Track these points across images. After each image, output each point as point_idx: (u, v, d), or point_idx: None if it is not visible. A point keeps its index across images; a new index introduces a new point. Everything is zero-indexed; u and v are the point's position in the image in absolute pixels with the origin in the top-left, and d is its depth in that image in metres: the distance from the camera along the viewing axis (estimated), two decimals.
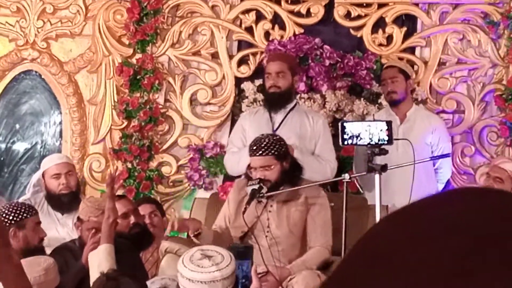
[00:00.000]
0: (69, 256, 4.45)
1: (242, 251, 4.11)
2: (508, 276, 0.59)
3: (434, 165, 5.73)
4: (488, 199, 0.66)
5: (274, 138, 4.65)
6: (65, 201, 5.43)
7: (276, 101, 5.43)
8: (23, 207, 4.42)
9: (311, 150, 5.37)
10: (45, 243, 4.79)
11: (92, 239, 4.27)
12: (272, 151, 4.53)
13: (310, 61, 6.15)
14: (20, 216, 4.35)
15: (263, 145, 4.56)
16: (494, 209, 0.64)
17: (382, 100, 6.06)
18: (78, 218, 4.55)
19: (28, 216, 4.38)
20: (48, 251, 4.60)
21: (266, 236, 4.54)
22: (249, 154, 4.63)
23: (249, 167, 4.70)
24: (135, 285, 3.55)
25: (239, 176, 5.06)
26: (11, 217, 4.34)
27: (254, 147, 4.58)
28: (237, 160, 5.35)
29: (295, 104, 5.52)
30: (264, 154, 4.52)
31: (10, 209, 4.37)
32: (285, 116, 5.41)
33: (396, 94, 5.69)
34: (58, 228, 5.39)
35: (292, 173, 4.60)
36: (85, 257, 4.29)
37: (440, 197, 0.68)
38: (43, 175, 5.54)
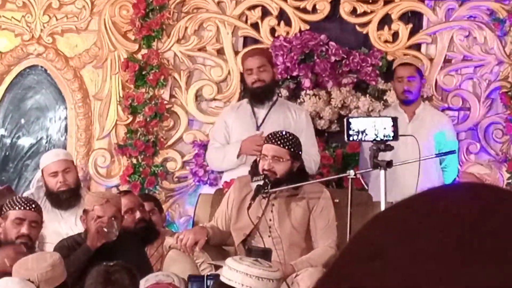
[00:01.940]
0: (76, 248, 4.46)
1: (260, 255, 3.96)
2: (493, 269, 0.60)
3: (440, 164, 5.69)
4: (479, 194, 0.67)
5: (294, 136, 4.65)
6: (64, 198, 5.39)
7: (261, 95, 5.41)
8: (9, 200, 4.49)
9: None
10: (47, 240, 4.83)
11: (96, 221, 4.32)
12: (288, 145, 4.53)
13: (315, 57, 6.14)
14: (4, 208, 4.42)
15: (282, 136, 4.57)
16: (484, 204, 0.65)
17: (388, 96, 6.05)
18: (84, 211, 4.56)
19: (10, 209, 4.44)
20: (51, 246, 4.65)
21: (270, 235, 4.53)
22: (264, 142, 4.62)
23: (254, 164, 4.69)
24: (130, 280, 3.57)
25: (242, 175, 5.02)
26: None
27: (272, 135, 4.58)
28: (221, 156, 5.36)
29: (277, 98, 5.52)
30: (281, 144, 4.52)
31: None
32: (268, 111, 5.41)
33: (412, 94, 5.65)
34: (60, 223, 5.39)
35: (297, 176, 4.58)
36: (90, 239, 4.32)
37: (430, 193, 0.69)
38: (42, 172, 5.53)
